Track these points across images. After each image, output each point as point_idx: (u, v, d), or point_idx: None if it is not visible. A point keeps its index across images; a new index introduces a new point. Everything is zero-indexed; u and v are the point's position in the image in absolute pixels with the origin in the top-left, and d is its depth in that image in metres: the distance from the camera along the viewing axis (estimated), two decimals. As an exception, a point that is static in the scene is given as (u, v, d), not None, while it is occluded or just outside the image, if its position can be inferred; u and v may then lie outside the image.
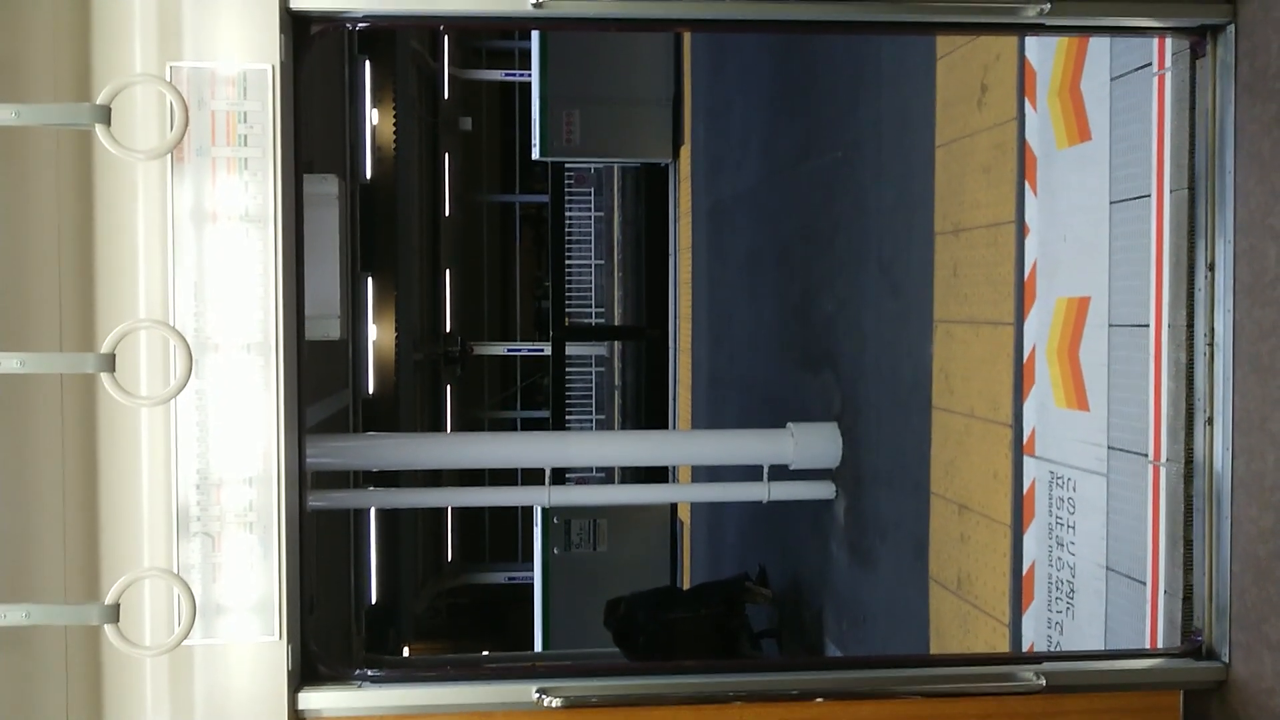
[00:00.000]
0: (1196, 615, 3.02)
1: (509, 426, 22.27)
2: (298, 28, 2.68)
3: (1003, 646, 4.63)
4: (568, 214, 17.92)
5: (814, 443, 6.84)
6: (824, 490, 6.96)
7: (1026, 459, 4.40)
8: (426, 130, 16.53)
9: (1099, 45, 3.87)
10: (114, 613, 2.39)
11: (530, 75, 13.18)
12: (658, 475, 12.10)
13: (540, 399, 21.83)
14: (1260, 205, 2.80)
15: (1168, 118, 3.34)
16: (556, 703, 2.67)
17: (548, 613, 12.19)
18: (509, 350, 20.34)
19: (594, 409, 19.30)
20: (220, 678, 2.60)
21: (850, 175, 6.65)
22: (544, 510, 12.03)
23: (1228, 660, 2.88)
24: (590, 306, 19.18)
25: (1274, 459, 2.74)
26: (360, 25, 2.76)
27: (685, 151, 12.69)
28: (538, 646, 12.40)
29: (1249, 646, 2.82)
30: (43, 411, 2.54)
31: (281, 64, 2.59)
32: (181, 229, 2.56)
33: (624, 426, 16.45)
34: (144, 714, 2.58)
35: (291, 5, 2.61)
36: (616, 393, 17.22)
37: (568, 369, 16.85)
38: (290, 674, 2.63)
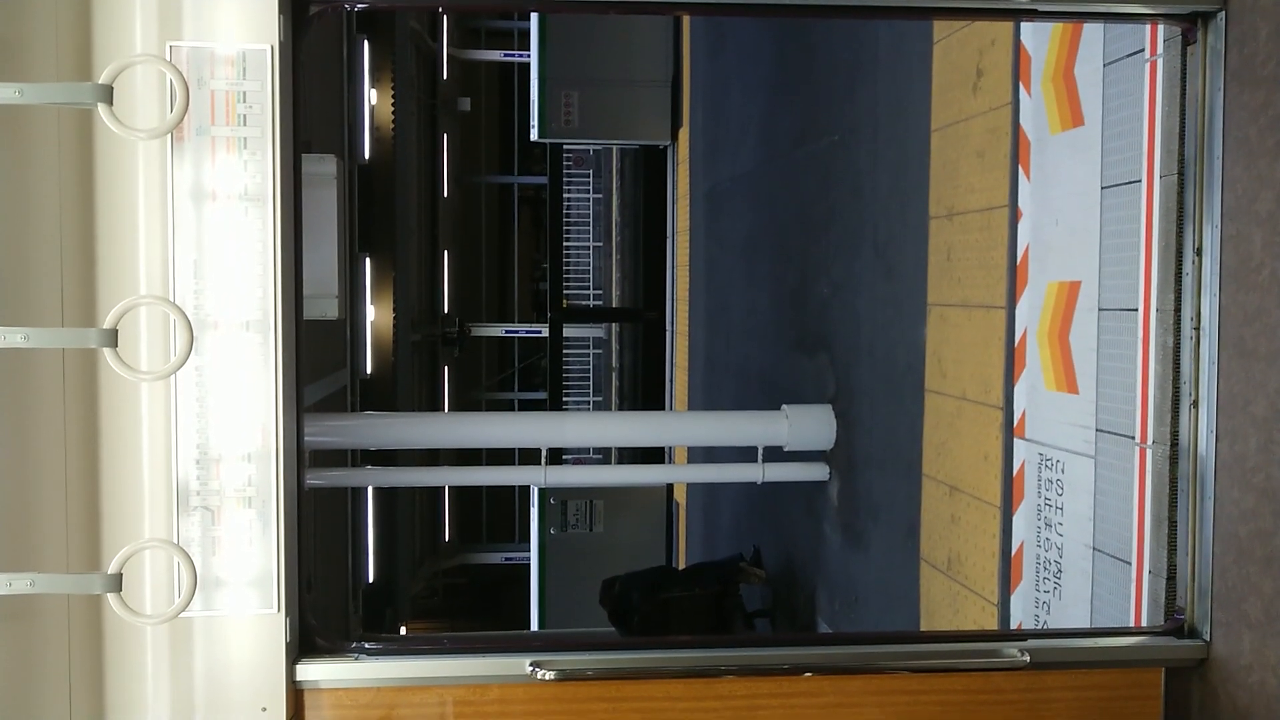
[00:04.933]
0: (1179, 595, 3.07)
1: (506, 407, 22.31)
2: (296, 8, 2.70)
3: (992, 626, 4.69)
4: (566, 196, 17.91)
5: (808, 425, 6.89)
6: (818, 472, 7.02)
7: (1017, 441, 4.45)
8: (425, 111, 16.50)
9: (1093, 31, 3.89)
10: (116, 582, 2.44)
11: (529, 56, 13.16)
12: (654, 456, 12.17)
13: (538, 380, 21.86)
14: (1246, 191, 2.84)
15: (1159, 104, 3.38)
16: (550, 675, 2.72)
17: (544, 592, 12.27)
18: (507, 331, 20.36)
19: (591, 390, 19.36)
20: (219, 648, 2.65)
21: (846, 159, 6.68)
22: (540, 490, 12.09)
23: (1208, 638, 2.93)
24: (588, 288, 19.19)
25: (1256, 441, 2.79)
26: (359, 6, 2.78)
27: (684, 134, 12.69)
28: (534, 626, 12.49)
29: (1229, 625, 2.88)
30: (45, 386, 2.58)
31: (280, 44, 2.61)
32: (181, 207, 2.59)
33: (621, 408, 16.50)
34: (145, 682, 2.63)
35: (290, -14, 2.64)
36: (614, 374, 17.26)
37: (565, 350, 16.89)
38: (288, 646, 2.68)
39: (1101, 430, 3.82)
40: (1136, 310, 3.55)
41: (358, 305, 11.48)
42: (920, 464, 5.46)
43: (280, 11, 2.61)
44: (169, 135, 2.55)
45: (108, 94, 2.41)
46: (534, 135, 13.04)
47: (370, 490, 11.99)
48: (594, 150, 18.06)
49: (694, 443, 9.44)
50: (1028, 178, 4.38)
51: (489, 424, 8.09)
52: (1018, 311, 4.46)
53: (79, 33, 2.56)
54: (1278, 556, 2.71)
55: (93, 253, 2.58)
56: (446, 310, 18.07)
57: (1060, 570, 4.11)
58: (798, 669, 2.83)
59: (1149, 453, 3.41)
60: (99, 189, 2.59)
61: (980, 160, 4.81)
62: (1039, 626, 4.26)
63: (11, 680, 2.52)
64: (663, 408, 13.84)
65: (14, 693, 2.52)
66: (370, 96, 12.20)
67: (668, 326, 13.73)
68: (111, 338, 2.41)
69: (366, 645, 2.79)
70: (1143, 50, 3.54)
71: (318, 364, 9.57)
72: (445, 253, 17.96)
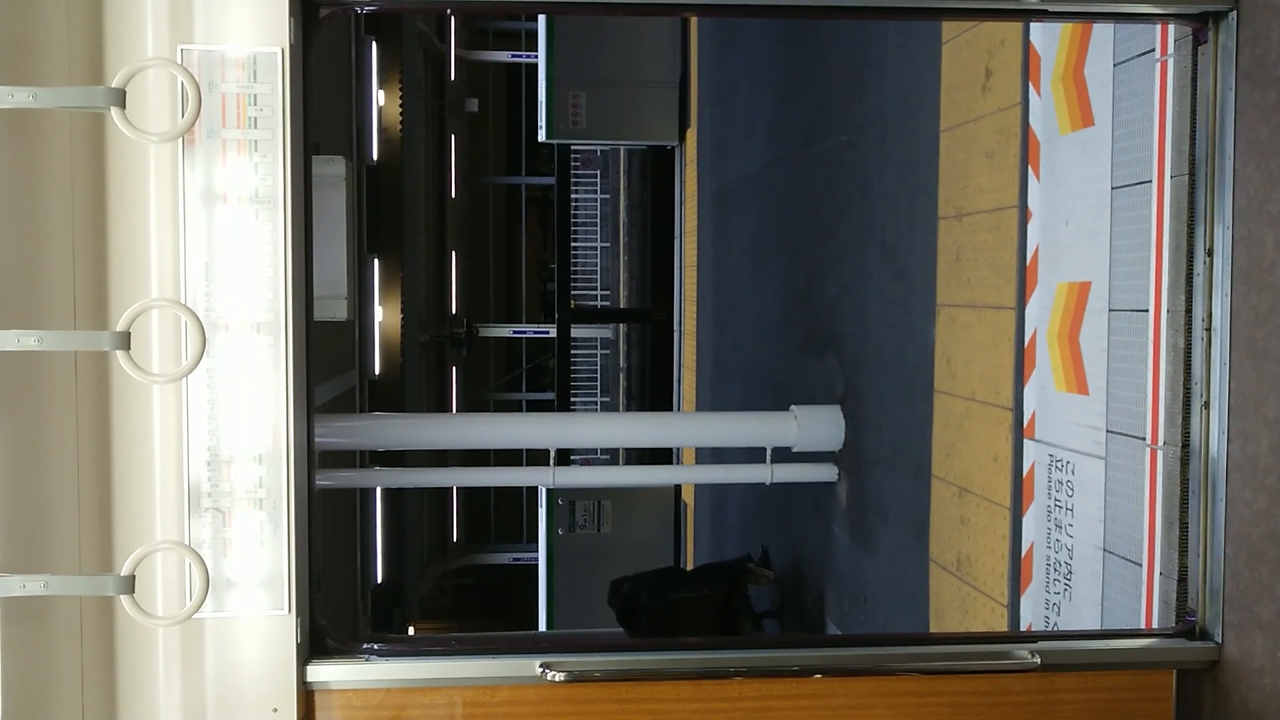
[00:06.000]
0: (1191, 596, 3.06)
1: (514, 408, 22.32)
2: (306, 11, 2.71)
3: (1001, 627, 4.68)
4: (573, 196, 17.92)
5: (817, 425, 6.88)
6: (826, 473, 7.01)
7: (1026, 442, 4.44)
8: (433, 112, 16.51)
9: (1103, 31, 3.88)
10: (129, 584, 2.45)
11: (537, 57, 13.17)
12: (662, 457, 12.16)
13: (545, 381, 21.88)
14: (1258, 192, 2.83)
15: (1169, 104, 3.37)
16: (559, 677, 2.73)
17: (552, 593, 12.28)
18: (514, 332, 20.37)
19: (599, 391, 19.35)
20: (230, 649, 2.66)
21: (855, 159, 6.67)
22: (548, 491, 12.10)
23: (1220, 640, 2.92)
24: (596, 289, 19.18)
25: (1268, 443, 2.78)
26: (368, 9, 2.79)
27: (691, 134, 12.69)
28: (542, 627, 12.49)
29: (1241, 627, 2.87)
30: (58, 388, 2.59)
31: (290, 47, 2.62)
32: (193, 210, 2.60)
33: (629, 408, 16.50)
34: (156, 684, 2.64)
35: (301, -11, 2.64)
36: (621, 375, 17.26)
37: (573, 351, 16.88)
38: (299, 647, 2.68)
39: (1112, 431, 3.80)
40: (1147, 311, 3.54)
41: (366, 306, 11.49)
42: (929, 465, 5.45)
43: (290, 14, 2.62)
44: (180, 138, 2.56)
45: (120, 98, 2.42)
46: (541, 136, 13.04)
47: (379, 491, 12.01)
48: (601, 151, 18.06)
49: (702, 443, 9.43)
50: (1037, 178, 4.37)
51: (497, 425, 8.10)
52: (1027, 312, 4.45)
53: (91, 37, 2.57)
54: (1290, 558, 2.70)
55: (105, 256, 2.60)
56: (454, 311, 18.09)
57: (1070, 572, 4.10)
58: (807, 670, 2.83)
59: (1160, 454, 3.40)
60: (111, 192, 2.60)
61: (989, 161, 4.80)
62: (1049, 628, 4.25)
63: (25, 681, 2.53)
64: (670, 408, 13.83)
65: (27, 693, 2.53)
66: (378, 98, 12.21)
67: (675, 327, 13.72)
68: (124, 340, 2.42)
69: (376, 646, 2.79)
70: (1153, 50, 3.53)
71: (327, 365, 9.59)
72: (453, 253, 17.99)
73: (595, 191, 19.05)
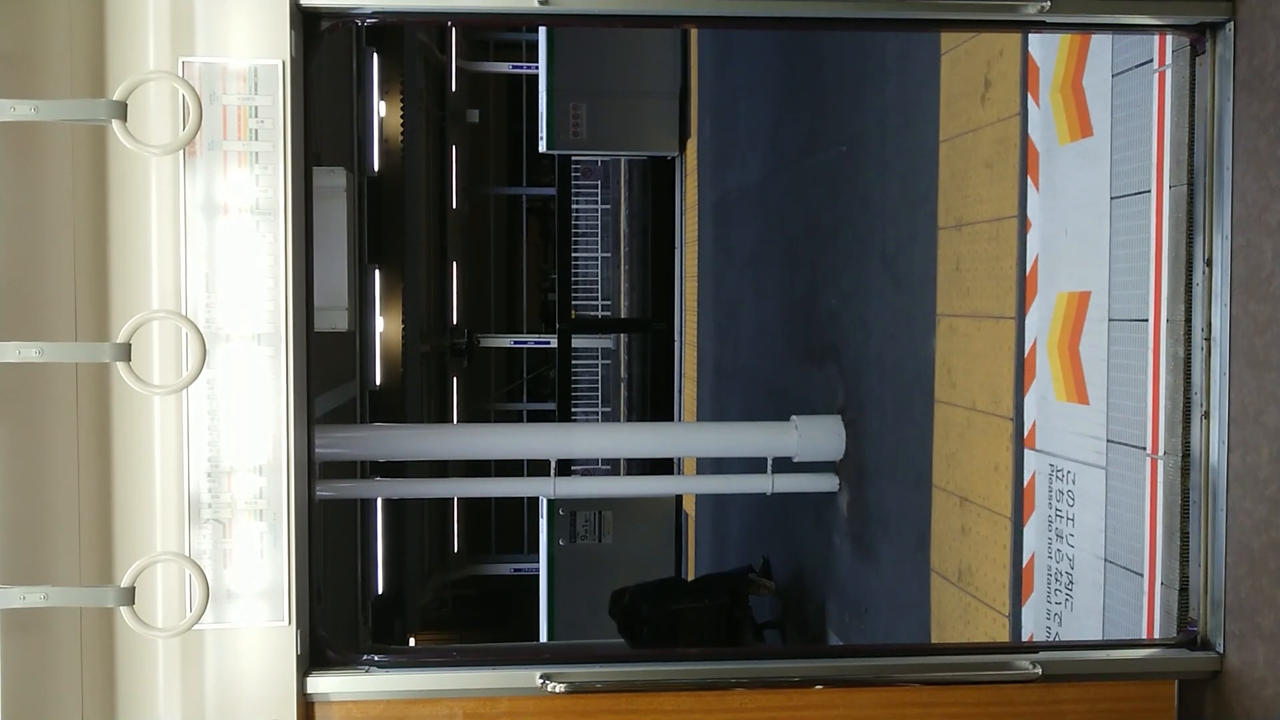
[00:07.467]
0: (1192, 606, 3.05)
1: (515, 418, 22.32)
2: (307, 24, 2.72)
3: (1003, 637, 4.67)
4: (574, 207, 17.95)
5: (817, 435, 6.89)
6: (827, 483, 7.01)
7: (1027, 452, 4.44)
8: (434, 123, 16.55)
9: (1101, 41, 3.90)
10: (129, 595, 2.45)
11: (537, 68, 13.21)
12: (663, 467, 12.16)
13: (546, 391, 21.87)
14: (1257, 202, 2.83)
15: (1168, 114, 3.38)
16: (560, 688, 2.72)
17: (553, 604, 12.26)
18: (515, 342, 20.38)
19: (600, 401, 19.35)
20: (230, 661, 2.65)
21: (855, 170, 6.68)
22: (549, 502, 12.09)
23: (1222, 650, 2.92)
24: (597, 299, 19.19)
25: (1268, 452, 2.78)
26: (369, 21, 2.80)
27: (691, 145, 12.72)
28: (543, 637, 12.47)
29: (1242, 637, 2.86)
30: (59, 400, 2.59)
31: (292, 59, 2.63)
32: (193, 222, 2.61)
33: (629, 419, 16.50)
34: (156, 695, 2.64)
35: (301, 1, 2.65)
36: (622, 385, 17.26)
37: (574, 361, 16.90)
38: (299, 658, 2.68)
39: (1112, 441, 3.80)
40: (1147, 321, 3.54)
41: (367, 317, 11.49)
42: (930, 475, 5.45)
43: (291, 27, 2.63)
44: (181, 150, 2.57)
45: (122, 110, 2.43)
46: (542, 147, 13.07)
47: (379, 502, 12.00)
48: (602, 161, 18.09)
49: (703, 453, 9.43)
50: (1036, 188, 4.38)
51: (498, 435, 8.10)
52: (1027, 322, 4.45)
53: (93, 49, 2.58)
54: (1291, 568, 2.70)
55: (106, 267, 2.60)
56: (455, 321, 18.10)
57: (1072, 582, 4.10)
58: (808, 681, 2.83)
59: (1160, 464, 3.40)
60: (112, 204, 2.60)
61: (989, 171, 4.81)
62: (1050, 638, 4.24)
63: (25, 692, 2.52)
64: (671, 418, 13.83)
65: (27, 705, 2.53)
66: (379, 109, 12.24)
67: (676, 337, 13.73)
68: (124, 352, 2.42)
69: (377, 657, 2.79)
70: (1151, 61, 3.54)
71: (327, 376, 9.59)
72: (454, 264, 18.00)
73: (596, 202, 19.08)
